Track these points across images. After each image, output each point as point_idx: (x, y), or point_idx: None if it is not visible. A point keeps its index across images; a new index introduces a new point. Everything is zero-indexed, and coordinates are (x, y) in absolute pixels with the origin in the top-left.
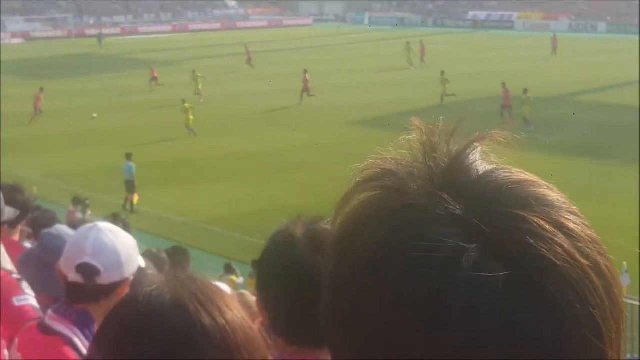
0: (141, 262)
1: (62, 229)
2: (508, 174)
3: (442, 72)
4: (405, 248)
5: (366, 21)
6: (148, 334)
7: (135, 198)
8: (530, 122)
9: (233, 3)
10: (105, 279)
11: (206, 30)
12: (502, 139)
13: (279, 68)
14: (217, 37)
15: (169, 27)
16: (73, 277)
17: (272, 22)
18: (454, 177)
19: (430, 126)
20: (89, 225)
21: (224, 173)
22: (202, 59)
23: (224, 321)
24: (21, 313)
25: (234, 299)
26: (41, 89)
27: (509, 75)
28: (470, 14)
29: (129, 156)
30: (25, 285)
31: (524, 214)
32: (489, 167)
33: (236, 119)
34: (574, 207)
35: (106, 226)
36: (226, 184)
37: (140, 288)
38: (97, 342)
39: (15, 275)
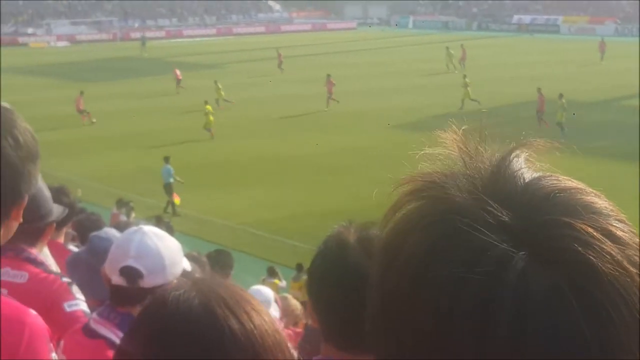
0: (186, 265)
1: (111, 232)
2: (555, 182)
3: (464, 76)
4: (452, 256)
5: (410, 24)
6: (176, 338)
7: (177, 199)
8: (564, 128)
9: (277, 6)
10: (148, 282)
11: (250, 33)
12: (541, 147)
13: (322, 71)
14: (261, 41)
15: (213, 31)
16: (116, 280)
17: (316, 25)
18: (499, 185)
19: (466, 133)
20: (134, 228)
21: (266, 176)
22: (246, 62)
23: (251, 326)
24: (72, 319)
25: (261, 303)
26: (81, 93)
27: (553, 80)
28: (515, 17)
29: (167, 159)
30: (75, 289)
31: (571, 222)
32: (536, 175)
33: (279, 122)
34: (622, 215)
35: (151, 229)
36: (268, 188)
37: (169, 292)
38: (124, 346)
39: (66, 279)
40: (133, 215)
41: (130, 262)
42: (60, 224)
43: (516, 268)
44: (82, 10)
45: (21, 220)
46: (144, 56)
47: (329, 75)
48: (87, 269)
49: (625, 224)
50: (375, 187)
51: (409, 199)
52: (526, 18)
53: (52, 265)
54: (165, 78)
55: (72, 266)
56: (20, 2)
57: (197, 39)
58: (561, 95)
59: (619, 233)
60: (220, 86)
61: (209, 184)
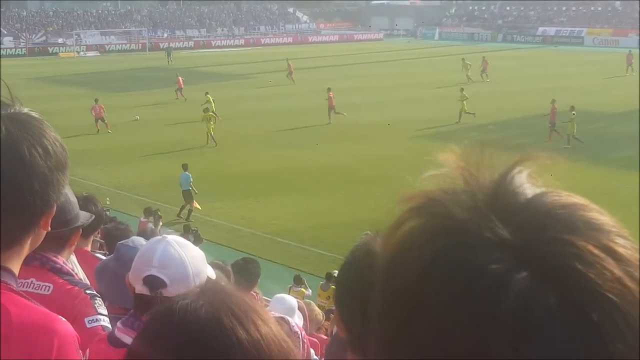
0: (211, 273)
1: (138, 240)
2: (557, 198)
3: (462, 89)
4: (451, 274)
5: (437, 36)
6: (183, 348)
7: (197, 205)
8: (572, 139)
9: (305, 18)
10: (171, 291)
11: (278, 44)
12: (545, 160)
13: (350, 82)
14: (289, 51)
15: (241, 41)
16: (140, 289)
17: (343, 36)
18: (500, 202)
19: (467, 149)
20: (158, 237)
21: (293, 186)
22: (273, 72)
23: (259, 335)
24: (91, 336)
25: (269, 312)
26: (96, 100)
27: (578, 91)
28: (540, 29)
29: (185, 166)
30: (98, 303)
31: (572, 239)
32: (538, 191)
33: (306, 132)
34: (624, 231)
35: (174, 239)
36: (296, 197)
37: (176, 300)
38: (131, 355)
39: (89, 292)
40: (161, 223)
41: (154, 272)
42: (88, 231)
43: (516, 287)
44: (112, 21)
45: (49, 229)
46: (170, 66)
47: (329, 89)
48: (114, 277)
49: (628, 240)
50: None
51: (409, 216)
52: (551, 30)
53: (80, 272)
54: (194, 88)
55: (100, 274)
56: (51, 12)
57: (226, 49)
58: (572, 108)
59: (621, 250)
60: (211, 98)
61: (237, 193)
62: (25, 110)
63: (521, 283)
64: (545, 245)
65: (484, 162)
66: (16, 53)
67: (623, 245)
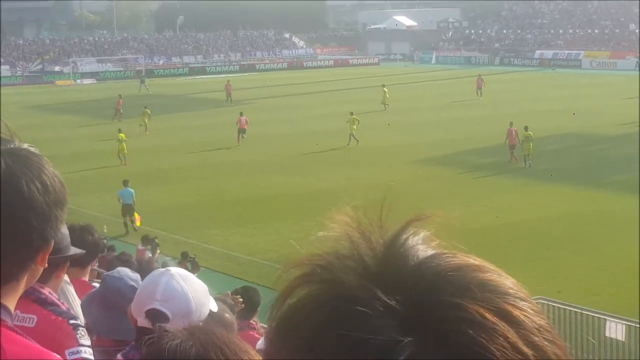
0: (213, 306)
1: (124, 271)
2: (450, 259)
3: (351, 113)
4: (338, 343)
5: (433, 60)
6: None
7: (138, 220)
8: (529, 159)
9: (302, 43)
10: (174, 325)
11: (273, 69)
12: (439, 219)
13: (346, 107)
14: (285, 76)
15: (236, 67)
16: (142, 322)
17: (339, 61)
18: (389, 266)
19: (360, 210)
20: (161, 270)
21: (292, 211)
22: (270, 98)
23: None
24: None
25: (257, 352)
26: (120, 95)
27: (573, 113)
28: (537, 52)
29: (126, 182)
30: (80, 334)
31: (463, 302)
32: (430, 252)
33: (303, 157)
34: (523, 292)
35: (178, 271)
36: (293, 222)
37: (166, 341)
38: None
39: (73, 322)
40: (158, 251)
41: (157, 305)
42: (85, 261)
43: (402, 354)
44: (108, 49)
45: (46, 265)
46: (148, 93)
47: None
48: (101, 309)
49: (527, 301)
50: (402, 221)
51: (298, 284)
52: (548, 53)
53: (76, 304)
54: (191, 115)
55: (87, 306)
56: (47, 41)
57: (222, 75)
58: (526, 128)
59: (517, 312)
60: (149, 111)
61: (234, 219)
62: (25, 145)
63: (406, 351)
64: (434, 310)
65: (378, 223)
66: (11, 82)
67: (520, 308)
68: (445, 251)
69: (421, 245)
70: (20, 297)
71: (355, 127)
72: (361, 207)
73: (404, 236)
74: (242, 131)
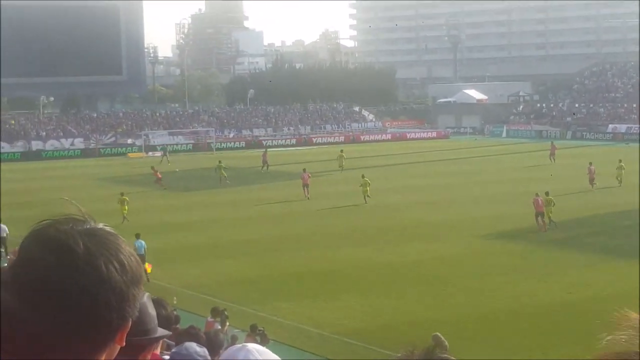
0: None
1: (192, 347)
2: None
3: (362, 176)
4: None
5: (504, 134)
6: None
7: (149, 268)
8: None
9: (371, 116)
10: None
11: (342, 142)
12: None
13: (415, 180)
14: (352, 149)
15: (292, 141)
16: None
17: (408, 134)
18: None
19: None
20: (238, 346)
21: (360, 284)
22: (336, 171)
23: None
24: None
25: None
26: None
27: None
28: (610, 126)
29: (137, 235)
30: None
31: None
32: None
33: (369, 230)
34: None
35: (255, 347)
36: (362, 296)
37: None
38: None
39: None
40: (227, 324)
41: None
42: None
43: None
44: (179, 121)
45: (124, 344)
46: (171, 168)
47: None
48: None
49: None
50: (471, 298)
51: None
52: (621, 127)
53: None
54: (259, 187)
55: None
56: (120, 114)
57: (291, 148)
58: (547, 193)
59: None
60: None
61: (304, 292)
62: (100, 225)
63: None
64: None
65: None
66: (85, 154)
67: None
68: None
69: None
70: None
71: (367, 189)
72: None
73: None
74: (306, 186)
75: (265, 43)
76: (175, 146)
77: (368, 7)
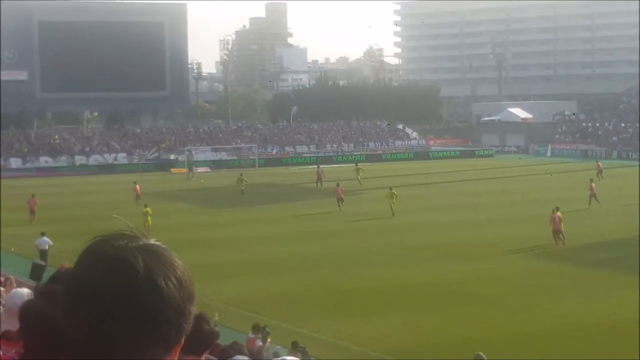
0: None
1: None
2: None
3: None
4: None
5: (549, 153)
6: None
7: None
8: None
9: (415, 134)
10: None
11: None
12: None
13: (457, 199)
14: (400, 167)
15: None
16: None
17: (453, 153)
18: None
19: None
20: None
21: (402, 303)
22: (378, 189)
23: None
24: None
25: None
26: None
27: None
28: None
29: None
30: None
31: None
32: None
33: (410, 248)
34: None
35: None
36: (403, 315)
37: None
38: None
39: None
40: (269, 340)
41: None
42: (201, 349)
43: None
44: (222, 138)
45: (176, 358)
46: (200, 184)
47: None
48: None
49: None
50: (512, 318)
51: None
52: None
53: None
54: (302, 204)
55: None
56: (164, 130)
57: (336, 165)
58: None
59: None
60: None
61: (345, 309)
62: (152, 241)
63: None
64: None
65: None
66: (128, 170)
67: None
68: None
69: None
70: None
71: (394, 200)
72: None
73: None
74: (340, 200)
75: (309, 60)
76: (219, 162)
77: (412, 25)
